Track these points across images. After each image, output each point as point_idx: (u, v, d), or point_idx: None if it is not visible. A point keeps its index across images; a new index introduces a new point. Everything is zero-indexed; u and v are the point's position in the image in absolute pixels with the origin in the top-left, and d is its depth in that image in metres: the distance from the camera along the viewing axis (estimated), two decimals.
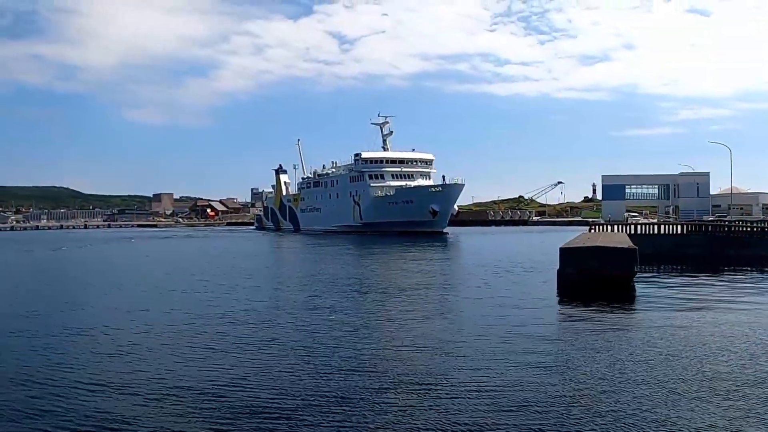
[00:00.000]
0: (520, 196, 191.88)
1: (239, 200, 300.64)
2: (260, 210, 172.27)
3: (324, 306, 23.86)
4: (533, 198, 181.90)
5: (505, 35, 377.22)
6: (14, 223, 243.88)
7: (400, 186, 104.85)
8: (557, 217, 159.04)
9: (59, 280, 37.13)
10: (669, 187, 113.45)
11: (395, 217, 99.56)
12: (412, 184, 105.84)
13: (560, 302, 24.90)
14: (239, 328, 19.43)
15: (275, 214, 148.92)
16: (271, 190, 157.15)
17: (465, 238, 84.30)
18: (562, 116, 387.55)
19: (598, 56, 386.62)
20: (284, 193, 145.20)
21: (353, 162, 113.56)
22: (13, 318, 21.74)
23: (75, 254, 64.43)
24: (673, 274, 36.32)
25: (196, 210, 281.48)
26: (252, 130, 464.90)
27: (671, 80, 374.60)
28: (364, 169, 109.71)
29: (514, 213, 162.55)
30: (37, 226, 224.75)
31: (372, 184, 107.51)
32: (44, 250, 71.26)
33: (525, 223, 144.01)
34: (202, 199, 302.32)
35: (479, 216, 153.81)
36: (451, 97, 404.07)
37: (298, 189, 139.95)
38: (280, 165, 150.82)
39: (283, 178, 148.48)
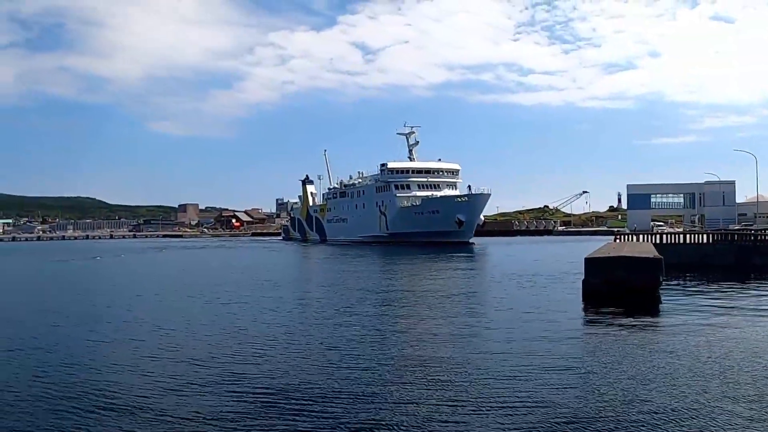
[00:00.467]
0: (545, 206, 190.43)
1: (264, 211, 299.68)
2: (286, 220, 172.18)
3: (350, 317, 24.08)
4: (558, 208, 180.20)
5: (528, 44, 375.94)
6: (40, 233, 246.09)
7: (426, 196, 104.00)
8: (582, 226, 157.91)
9: (110, 290, 37.36)
10: (694, 195, 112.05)
11: (421, 228, 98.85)
12: (438, 194, 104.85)
13: (585, 312, 24.87)
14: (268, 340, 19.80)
15: (302, 225, 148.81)
16: (296, 200, 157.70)
17: (491, 248, 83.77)
18: (586, 125, 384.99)
19: (622, 64, 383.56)
20: (311, 203, 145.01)
21: (379, 172, 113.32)
22: (80, 321, 22.37)
23: (113, 264, 65.31)
24: (699, 284, 35.95)
25: (221, 220, 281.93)
26: (276, 140, 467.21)
27: (696, 88, 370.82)
28: (390, 180, 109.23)
29: (539, 223, 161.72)
30: (63, 236, 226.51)
31: (398, 195, 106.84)
32: (81, 260, 72.27)
33: (550, 233, 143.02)
34: (227, 209, 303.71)
35: (504, 226, 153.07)
36: (475, 107, 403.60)
37: (325, 199, 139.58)
38: (307, 175, 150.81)
39: (310, 188, 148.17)
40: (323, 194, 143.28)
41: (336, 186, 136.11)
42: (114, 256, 78.73)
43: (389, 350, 17.73)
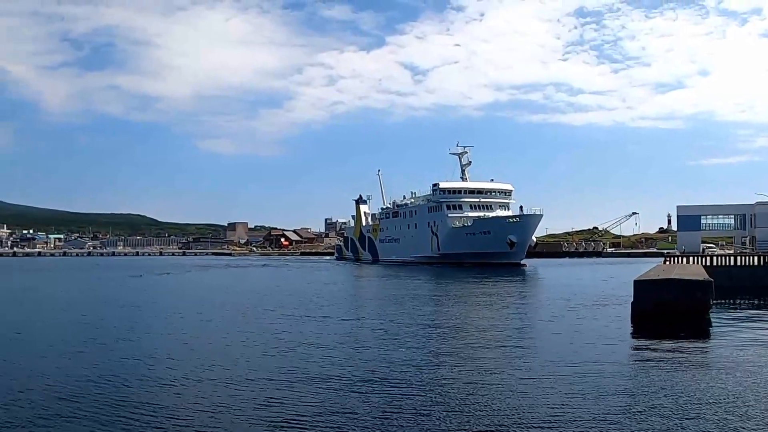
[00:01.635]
0: (594, 227, 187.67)
1: (313, 230, 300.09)
2: (339, 240, 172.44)
3: (397, 340, 24.02)
4: (607, 229, 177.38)
5: (577, 64, 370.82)
6: (91, 248, 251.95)
7: (478, 217, 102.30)
8: (632, 248, 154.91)
9: (196, 303, 37.69)
10: (745, 216, 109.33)
11: (473, 248, 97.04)
12: (491, 215, 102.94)
13: (634, 335, 24.76)
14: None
15: (355, 245, 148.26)
16: (344, 220, 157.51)
17: (543, 270, 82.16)
18: (636, 146, 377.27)
19: (672, 84, 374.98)
20: (364, 223, 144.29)
21: (431, 192, 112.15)
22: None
23: (184, 278, 66.28)
24: (750, 307, 35.46)
25: (270, 239, 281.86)
26: (326, 160, 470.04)
27: (748, 107, 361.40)
28: (442, 200, 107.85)
29: (588, 244, 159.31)
30: (113, 252, 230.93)
31: (450, 215, 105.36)
32: (151, 275, 73.46)
33: (599, 255, 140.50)
34: (276, 228, 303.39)
35: (553, 248, 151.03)
36: (524, 127, 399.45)
37: (377, 219, 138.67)
38: (360, 195, 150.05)
39: (363, 208, 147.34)
40: (374, 214, 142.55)
41: (389, 206, 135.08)
42: (185, 272, 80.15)
43: (439, 372, 17.92)
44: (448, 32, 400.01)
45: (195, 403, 14.39)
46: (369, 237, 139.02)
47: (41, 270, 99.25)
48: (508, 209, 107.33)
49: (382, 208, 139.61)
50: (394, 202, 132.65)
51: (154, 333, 26.76)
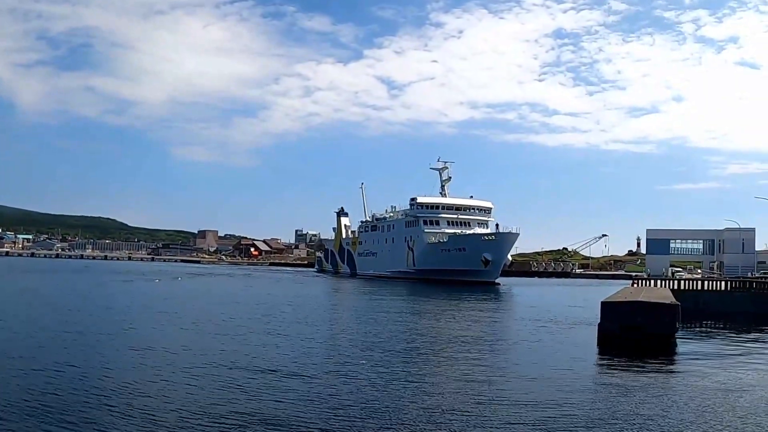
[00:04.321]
0: (564, 248, 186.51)
1: (283, 241, 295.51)
2: (320, 253, 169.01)
3: (359, 360, 23.05)
4: (577, 250, 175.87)
5: (553, 85, 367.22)
6: (59, 250, 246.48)
7: (455, 233, 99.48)
8: (600, 270, 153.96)
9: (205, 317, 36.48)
10: (714, 242, 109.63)
11: (447, 265, 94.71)
12: (468, 232, 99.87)
13: (600, 357, 23.86)
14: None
15: (334, 257, 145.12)
16: (315, 232, 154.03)
17: (516, 289, 79.80)
18: (608, 168, 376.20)
19: (646, 108, 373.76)
20: (344, 236, 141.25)
21: (409, 206, 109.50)
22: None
23: (175, 287, 63.50)
24: (716, 331, 34.64)
25: (240, 249, 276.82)
26: (299, 171, 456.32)
27: (720, 134, 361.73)
28: (419, 215, 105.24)
29: (557, 265, 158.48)
30: (82, 255, 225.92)
31: (426, 230, 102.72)
32: (142, 282, 70.90)
33: (568, 275, 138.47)
34: (246, 237, 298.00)
35: (522, 267, 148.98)
36: (498, 146, 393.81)
37: (357, 232, 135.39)
38: (342, 207, 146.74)
39: (344, 220, 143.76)
40: (351, 228, 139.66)
41: (368, 219, 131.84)
42: (172, 279, 78.21)
43: (401, 394, 16.95)
44: (426, 48, 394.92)
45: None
46: (348, 250, 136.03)
47: (29, 271, 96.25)
48: (487, 227, 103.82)
49: (362, 222, 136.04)
50: (373, 216, 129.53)
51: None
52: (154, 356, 21.12)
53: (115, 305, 41.24)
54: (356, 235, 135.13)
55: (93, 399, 14.67)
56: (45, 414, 13.31)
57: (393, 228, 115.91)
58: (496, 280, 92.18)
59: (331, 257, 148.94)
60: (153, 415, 13.45)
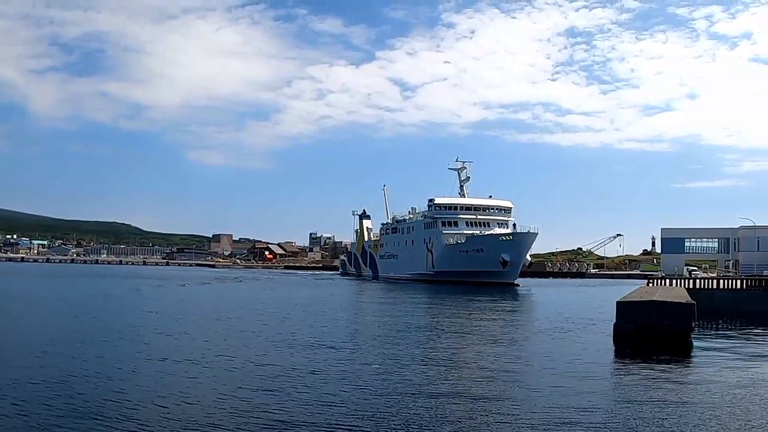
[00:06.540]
0: (579, 248, 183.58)
1: (297, 244, 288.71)
2: (343, 257, 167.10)
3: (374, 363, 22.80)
4: (591, 250, 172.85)
5: (567, 84, 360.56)
6: (74, 255, 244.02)
7: (474, 234, 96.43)
8: (615, 270, 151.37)
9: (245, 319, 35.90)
10: (729, 240, 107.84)
11: (466, 266, 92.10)
12: (487, 232, 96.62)
13: (615, 357, 23.59)
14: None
15: (357, 260, 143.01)
16: (329, 235, 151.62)
17: (534, 290, 77.44)
18: (623, 167, 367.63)
19: (660, 106, 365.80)
20: (366, 238, 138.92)
21: (427, 208, 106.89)
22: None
23: (205, 291, 63.01)
24: (732, 330, 34.13)
25: (255, 252, 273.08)
26: (313, 174, 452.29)
27: (735, 131, 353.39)
28: (437, 216, 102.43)
29: (572, 265, 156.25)
30: (97, 260, 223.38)
31: (444, 231, 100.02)
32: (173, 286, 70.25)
33: (583, 275, 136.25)
34: (260, 241, 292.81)
35: (537, 267, 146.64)
36: (511, 147, 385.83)
37: (379, 235, 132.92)
38: (364, 210, 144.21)
39: (367, 223, 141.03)
40: (374, 231, 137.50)
41: (389, 221, 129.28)
42: (201, 284, 77.91)
43: (410, 398, 16.71)
44: (438, 49, 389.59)
45: None
46: (370, 253, 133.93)
47: (50, 276, 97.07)
48: (507, 227, 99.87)
49: (383, 224, 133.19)
50: (393, 218, 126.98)
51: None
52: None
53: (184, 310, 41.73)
54: (378, 238, 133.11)
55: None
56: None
57: (412, 230, 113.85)
58: (515, 281, 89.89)
59: (354, 260, 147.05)
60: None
